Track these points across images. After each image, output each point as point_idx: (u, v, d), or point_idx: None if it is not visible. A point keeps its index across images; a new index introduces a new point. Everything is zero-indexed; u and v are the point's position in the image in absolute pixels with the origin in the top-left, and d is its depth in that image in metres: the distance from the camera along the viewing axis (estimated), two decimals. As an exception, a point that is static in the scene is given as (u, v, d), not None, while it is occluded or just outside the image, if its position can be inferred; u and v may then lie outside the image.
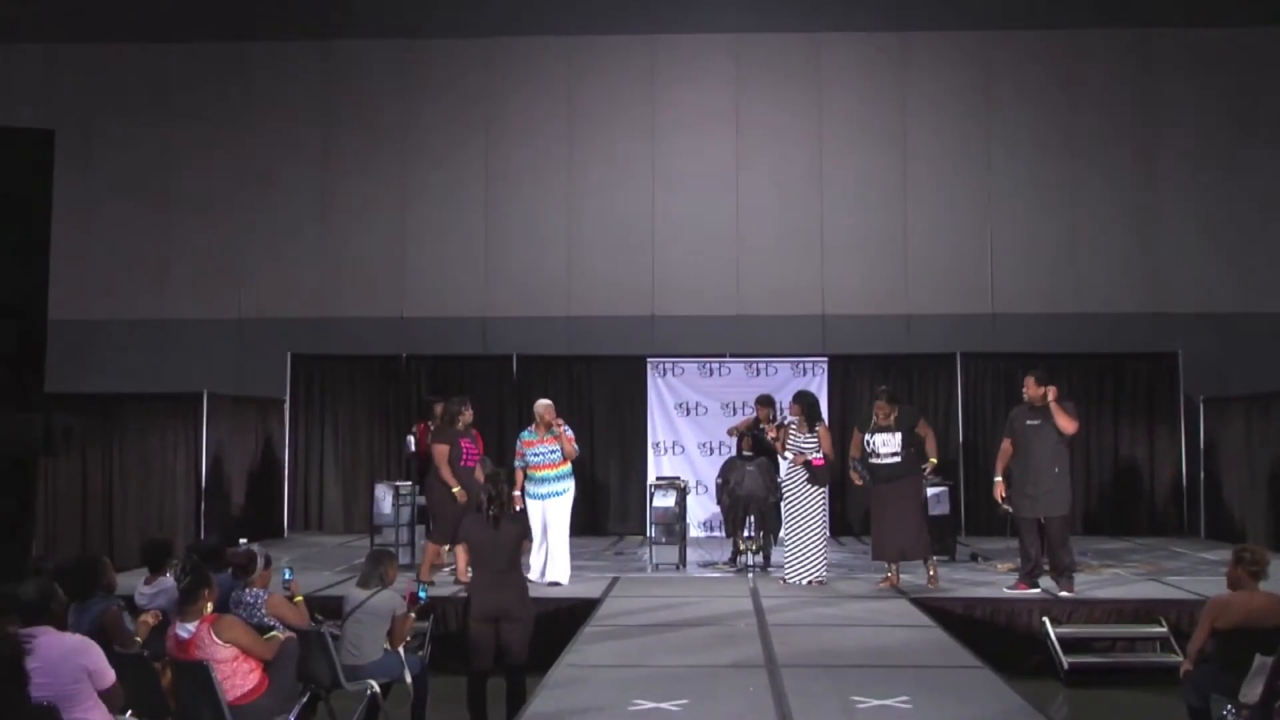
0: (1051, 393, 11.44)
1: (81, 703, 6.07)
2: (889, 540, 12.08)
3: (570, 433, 12.37)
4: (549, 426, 12.18)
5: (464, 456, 12.14)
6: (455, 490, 11.93)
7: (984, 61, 19.03)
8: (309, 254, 19.26)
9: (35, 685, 5.77)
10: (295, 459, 18.37)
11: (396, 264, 19.17)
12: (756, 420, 13.88)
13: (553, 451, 12.16)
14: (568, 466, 12.27)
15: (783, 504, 12.48)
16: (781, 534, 12.70)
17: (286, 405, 18.29)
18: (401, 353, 18.42)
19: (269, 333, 18.83)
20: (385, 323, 18.92)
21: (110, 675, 6.21)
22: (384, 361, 18.44)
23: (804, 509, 12.15)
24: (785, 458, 12.35)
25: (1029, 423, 11.54)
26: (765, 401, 13.98)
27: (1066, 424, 11.38)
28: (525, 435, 12.44)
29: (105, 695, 6.19)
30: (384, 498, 14.03)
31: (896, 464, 12.00)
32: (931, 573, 12.00)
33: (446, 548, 12.87)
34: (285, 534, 17.83)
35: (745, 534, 13.62)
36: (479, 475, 12.06)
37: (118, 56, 19.57)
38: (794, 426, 12.30)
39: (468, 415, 12.33)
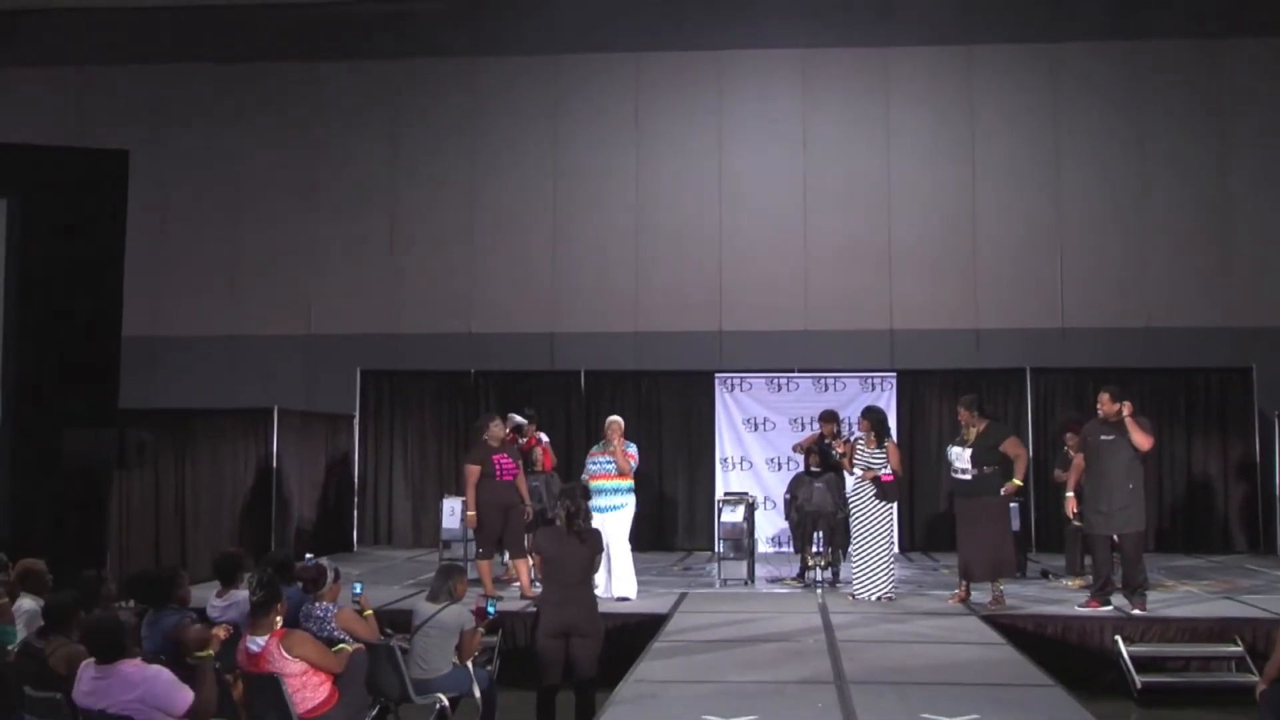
0: (1127, 408, 11.28)
1: None
2: (963, 557, 12.03)
3: (633, 450, 12.49)
4: (610, 443, 12.37)
5: (499, 472, 12.24)
6: (469, 514, 12.25)
7: (1052, 73, 18.87)
8: (377, 270, 19.40)
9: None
10: (365, 474, 18.50)
11: (464, 279, 19.26)
12: (821, 436, 13.80)
13: (610, 463, 12.32)
14: (628, 482, 12.37)
15: (851, 520, 12.42)
16: (849, 549, 12.64)
17: (356, 420, 18.44)
18: (470, 369, 18.51)
19: (338, 348, 18.99)
20: (453, 339, 19.00)
21: (185, 697, 6.28)
22: (452, 377, 18.52)
23: (872, 525, 12.11)
24: (853, 474, 12.29)
25: (1103, 438, 11.40)
26: (829, 417, 13.88)
27: (1142, 440, 11.22)
28: (596, 447, 12.68)
29: (190, 714, 6.28)
30: (452, 512, 14.09)
31: (968, 482, 11.90)
32: (996, 594, 11.84)
33: (503, 560, 13.04)
34: (355, 548, 17.96)
35: (814, 549, 13.55)
36: (523, 491, 12.45)
37: (189, 75, 19.86)
38: (862, 442, 12.24)
39: (497, 430, 12.43)
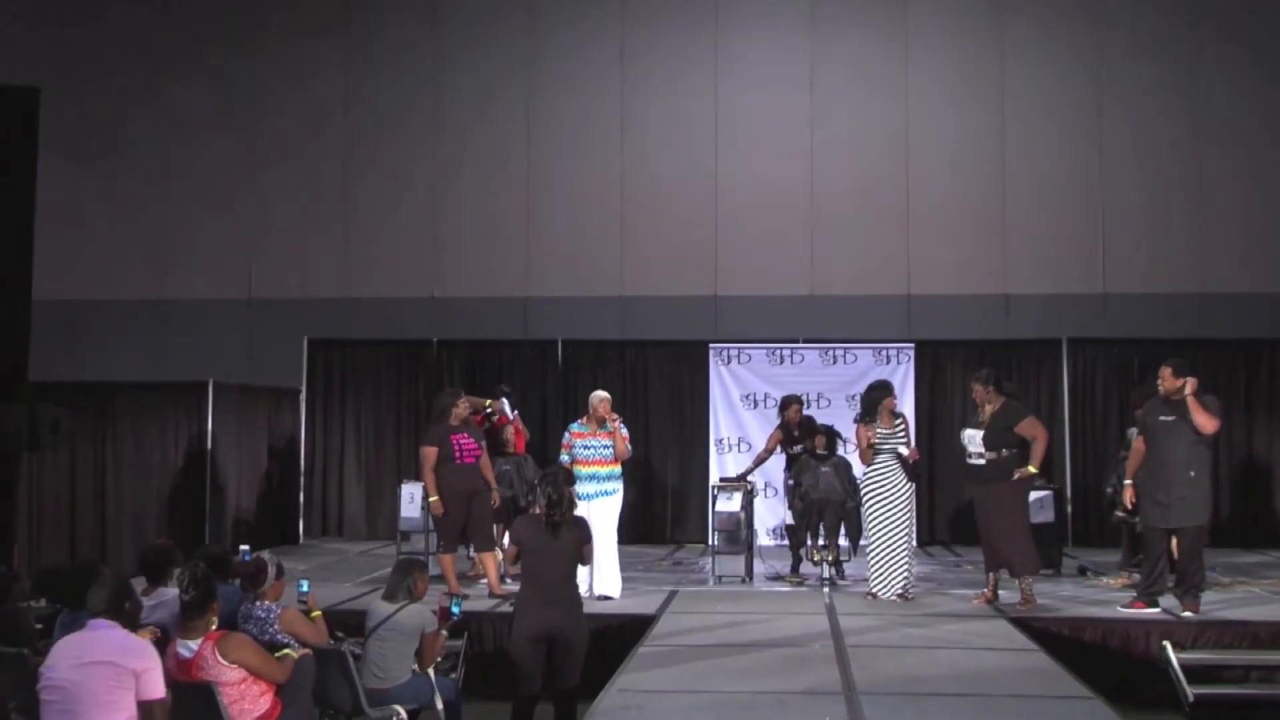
0: (1190, 385, 11.19)
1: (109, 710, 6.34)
2: (987, 549, 12.08)
3: (625, 431, 12.44)
4: (603, 422, 12.30)
5: (459, 453, 12.27)
6: (431, 500, 12.29)
7: (1092, 4, 18.82)
8: (329, 227, 19.38)
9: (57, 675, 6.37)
10: (312, 456, 18.45)
11: (426, 237, 19.28)
12: (788, 430, 14.08)
13: (605, 447, 12.26)
14: (618, 467, 12.39)
15: (864, 507, 12.39)
16: (863, 541, 12.67)
17: (303, 396, 18.38)
18: (433, 337, 18.47)
19: (283, 315, 18.98)
20: (414, 304, 19.01)
21: (160, 687, 6.50)
22: (413, 347, 18.49)
23: (889, 512, 12.09)
24: (872, 463, 12.25)
25: (1162, 419, 11.30)
26: (795, 400, 14.24)
27: (1205, 422, 11.13)
28: (575, 426, 12.56)
29: (147, 708, 6.43)
30: (412, 500, 14.04)
31: (982, 467, 11.92)
32: (1025, 591, 11.84)
33: (468, 554, 13.10)
34: (301, 540, 17.92)
35: (819, 542, 13.56)
36: (488, 475, 12.52)
37: (113, 7, 19.73)
38: (879, 425, 12.20)
39: (462, 409, 12.49)
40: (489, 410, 13.86)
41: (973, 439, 11.92)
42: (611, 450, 12.24)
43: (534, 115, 19.19)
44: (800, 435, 13.99)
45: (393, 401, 18.51)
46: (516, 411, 14.62)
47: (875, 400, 12.32)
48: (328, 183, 19.42)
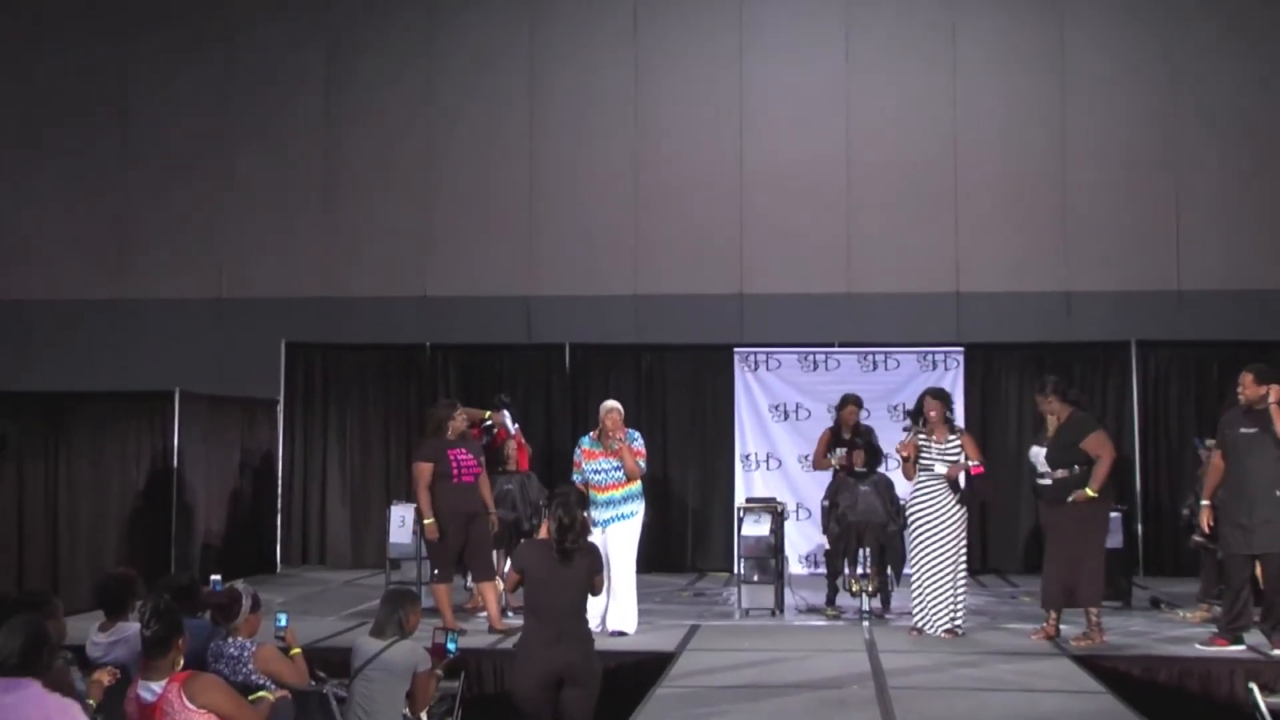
0: (1275, 393, 11.11)
1: None
2: (1046, 578, 11.98)
3: (639, 443, 12.38)
4: (621, 431, 12.27)
5: (457, 470, 12.24)
6: (426, 523, 12.23)
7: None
8: (310, 219, 19.47)
9: None
10: (291, 474, 18.43)
11: (419, 231, 19.36)
12: (838, 431, 13.87)
13: (617, 469, 12.23)
14: (636, 484, 12.33)
15: (910, 531, 12.32)
16: (907, 570, 12.62)
17: (281, 406, 18.36)
18: (425, 341, 18.43)
19: (259, 316, 19.02)
20: (405, 304, 19.08)
21: None
22: (403, 352, 18.49)
23: (939, 537, 12.01)
24: (918, 479, 12.18)
25: (1243, 431, 11.22)
26: (852, 400, 14.01)
27: (1292, 435, 11.10)
28: (585, 442, 12.52)
29: None
30: (403, 523, 14.06)
31: (1048, 487, 11.86)
32: (1093, 622, 11.76)
33: (466, 585, 13.10)
34: (278, 568, 17.94)
35: (859, 571, 13.50)
36: (486, 495, 12.50)
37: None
38: (924, 436, 12.14)
39: (460, 422, 12.47)
40: (488, 423, 13.85)
41: (1038, 456, 11.87)
42: (623, 471, 12.20)
43: (536, 89, 19.25)
44: (852, 442, 13.80)
45: (381, 413, 18.48)
46: (518, 425, 14.57)
47: (924, 408, 12.29)
48: (310, 173, 19.47)
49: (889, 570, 13.55)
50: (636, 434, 12.49)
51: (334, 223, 19.36)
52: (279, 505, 18.26)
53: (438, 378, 18.23)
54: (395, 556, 14.23)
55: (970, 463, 11.99)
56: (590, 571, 8.65)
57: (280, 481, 18.30)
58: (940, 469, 11.99)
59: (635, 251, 18.93)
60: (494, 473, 13.43)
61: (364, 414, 18.52)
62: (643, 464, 12.36)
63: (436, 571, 12.44)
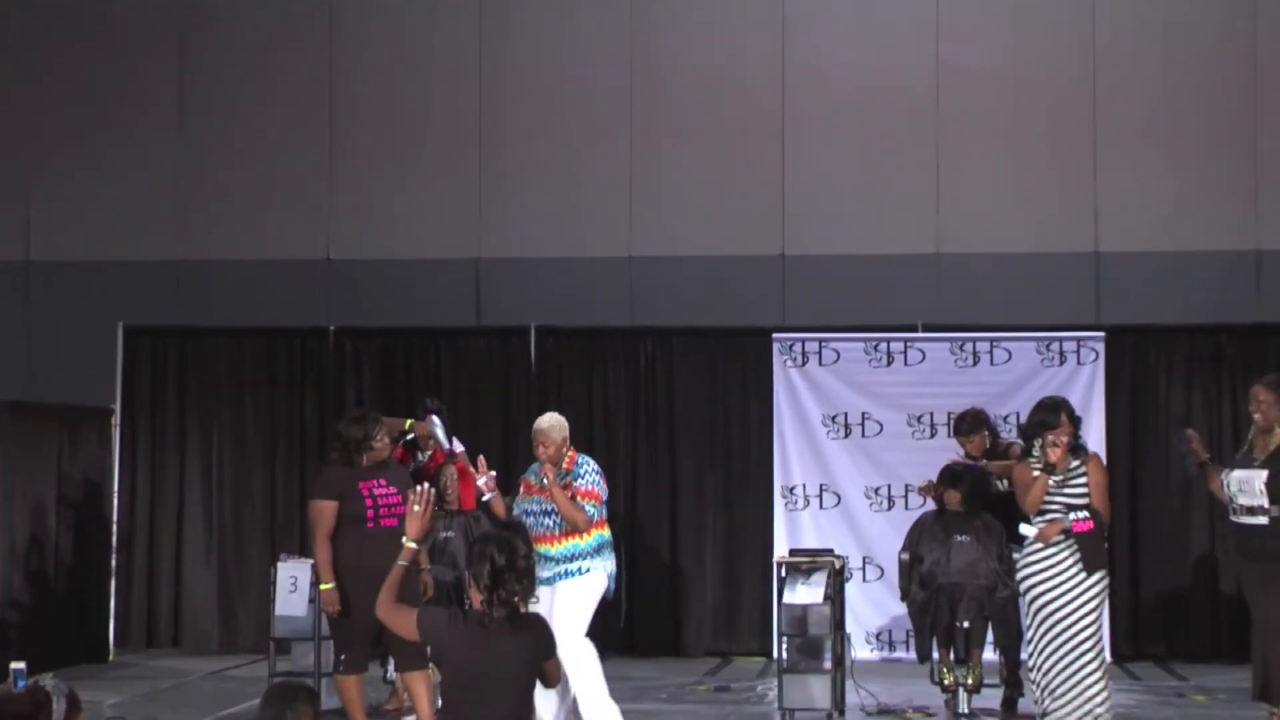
0: None
1: None
2: (1257, 663, 11.73)
3: (588, 481, 12.21)
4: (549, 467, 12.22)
5: (373, 512, 12.08)
6: (324, 588, 12.10)
7: None
8: (161, 156, 19.41)
9: None
10: (132, 516, 18.32)
11: (316, 168, 19.32)
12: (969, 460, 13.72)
13: (546, 513, 12.17)
14: (590, 540, 12.19)
15: (1028, 600, 12.03)
16: (1025, 655, 12.33)
17: (117, 418, 18.12)
18: (328, 324, 18.34)
19: (83, 288, 18.97)
20: (297, 270, 19.08)
21: None
22: (296, 337, 18.58)
23: (1070, 608, 11.68)
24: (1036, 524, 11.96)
25: None
26: (973, 423, 13.75)
27: None
28: (534, 469, 12.56)
29: None
30: (294, 586, 13.85)
31: (1260, 530, 11.48)
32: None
33: (386, 676, 13.29)
34: (111, 654, 17.72)
35: (953, 655, 13.43)
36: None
37: None
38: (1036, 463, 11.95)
39: (381, 445, 12.25)
40: (410, 436, 13.69)
41: (1246, 484, 11.41)
42: (557, 516, 12.03)
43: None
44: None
45: (264, 428, 18.48)
46: (464, 449, 14.32)
47: (1038, 427, 11.97)
48: (157, 93, 19.51)
49: (1001, 655, 13.48)
50: (588, 464, 12.35)
51: (193, 156, 19.30)
52: (112, 561, 17.96)
53: (346, 377, 18.28)
54: (284, 635, 14.31)
55: (1075, 516, 11.58)
56: (534, 654, 8.03)
57: (115, 526, 18.01)
58: (1053, 512, 11.73)
59: (630, 197, 18.84)
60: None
61: (239, 427, 18.45)
62: (592, 509, 12.13)
63: (343, 657, 12.24)
